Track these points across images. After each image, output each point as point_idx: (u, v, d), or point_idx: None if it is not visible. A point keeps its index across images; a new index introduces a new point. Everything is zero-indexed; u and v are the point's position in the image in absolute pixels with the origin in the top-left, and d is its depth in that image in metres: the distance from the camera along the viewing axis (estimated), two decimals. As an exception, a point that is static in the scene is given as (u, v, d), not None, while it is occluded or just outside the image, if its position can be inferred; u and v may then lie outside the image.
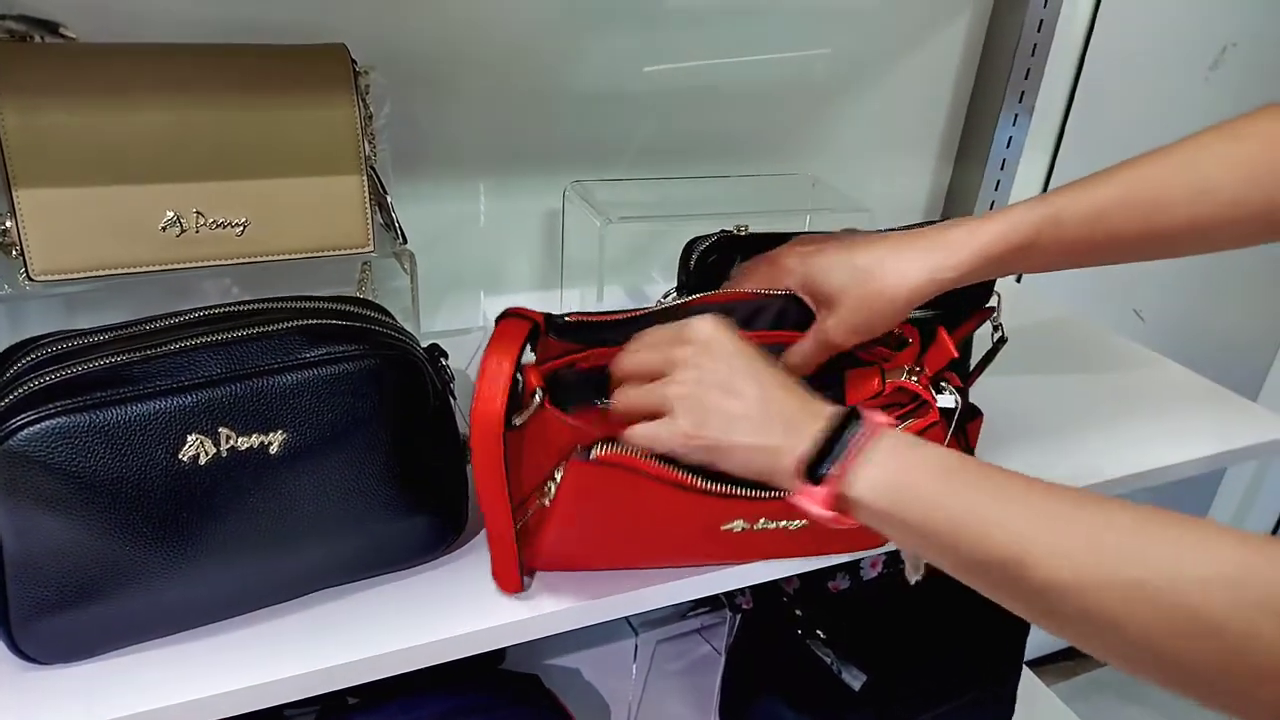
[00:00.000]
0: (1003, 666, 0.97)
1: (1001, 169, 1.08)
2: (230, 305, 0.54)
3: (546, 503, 0.52)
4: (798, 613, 0.91)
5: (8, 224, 0.59)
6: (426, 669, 0.55)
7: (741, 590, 0.94)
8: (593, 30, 0.86)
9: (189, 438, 0.48)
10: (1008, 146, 1.07)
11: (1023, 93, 1.04)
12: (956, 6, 1.03)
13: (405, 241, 0.72)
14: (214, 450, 0.48)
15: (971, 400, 0.76)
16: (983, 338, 0.75)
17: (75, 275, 0.61)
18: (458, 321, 0.94)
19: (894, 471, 0.46)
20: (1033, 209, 0.58)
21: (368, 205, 0.68)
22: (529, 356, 0.56)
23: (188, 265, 0.63)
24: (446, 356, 0.59)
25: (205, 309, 0.53)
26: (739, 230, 0.73)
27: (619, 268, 0.97)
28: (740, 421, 0.50)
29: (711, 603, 0.97)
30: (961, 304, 0.72)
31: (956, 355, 0.58)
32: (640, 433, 0.51)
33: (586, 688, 0.99)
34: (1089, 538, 0.41)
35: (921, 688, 0.91)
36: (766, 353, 0.53)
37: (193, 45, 0.63)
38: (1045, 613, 0.42)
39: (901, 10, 1.00)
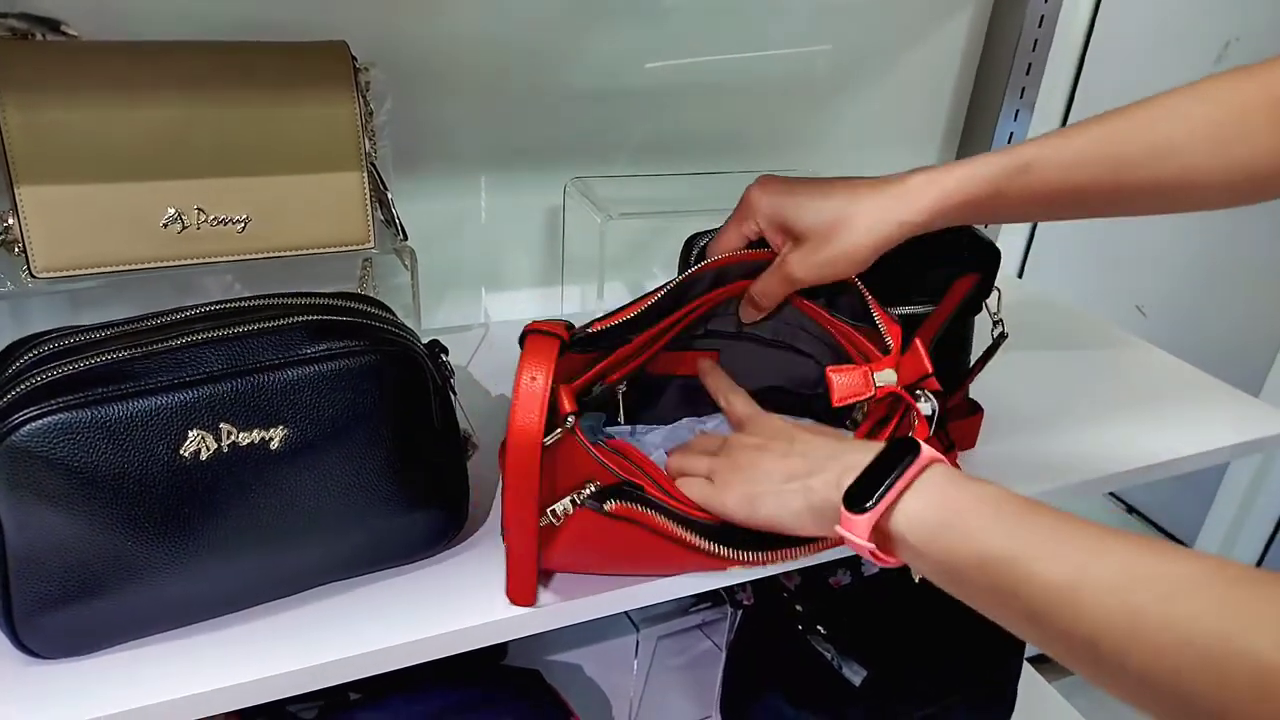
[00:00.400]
0: (1003, 662, 0.98)
1: (1002, 165, 1.08)
2: (232, 301, 0.54)
3: (555, 523, 0.52)
4: (799, 608, 0.91)
5: (10, 221, 0.59)
6: (428, 664, 0.56)
7: (742, 586, 0.95)
8: (593, 27, 0.86)
9: (191, 433, 0.48)
10: (1009, 141, 1.07)
11: (1024, 88, 1.04)
12: (958, 2, 1.03)
13: (406, 238, 0.72)
14: (215, 446, 0.49)
15: (972, 396, 0.76)
16: (982, 333, 0.75)
17: (77, 272, 0.61)
18: (459, 318, 0.94)
19: (938, 507, 0.46)
20: (999, 158, 0.58)
21: (368, 202, 0.68)
22: None
23: (189, 262, 0.64)
24: (447, 352, 0.59)
25: (207, 305, 0.53)
26: (739, 226, 0.73)
27: (619, 264, 0.97)
28: (778, 495, 0.52)
29: (713, 598, 0.98)
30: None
31: (930, 370, 0.58)
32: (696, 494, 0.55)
33: (588, 683, 0.99)
34: (1137, 595, 0.39)
35: (922, 683, 0.91)
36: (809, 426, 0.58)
37: (194, 42, 0.63)
38: (1089, 661, 0.42)
39: (902, 6, 1.00)
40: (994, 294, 0.75)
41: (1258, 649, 0.35)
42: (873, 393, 0.59)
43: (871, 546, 0.48)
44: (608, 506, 0.51)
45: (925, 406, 0.57)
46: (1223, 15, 1.24)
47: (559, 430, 0.51)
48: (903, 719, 0.90)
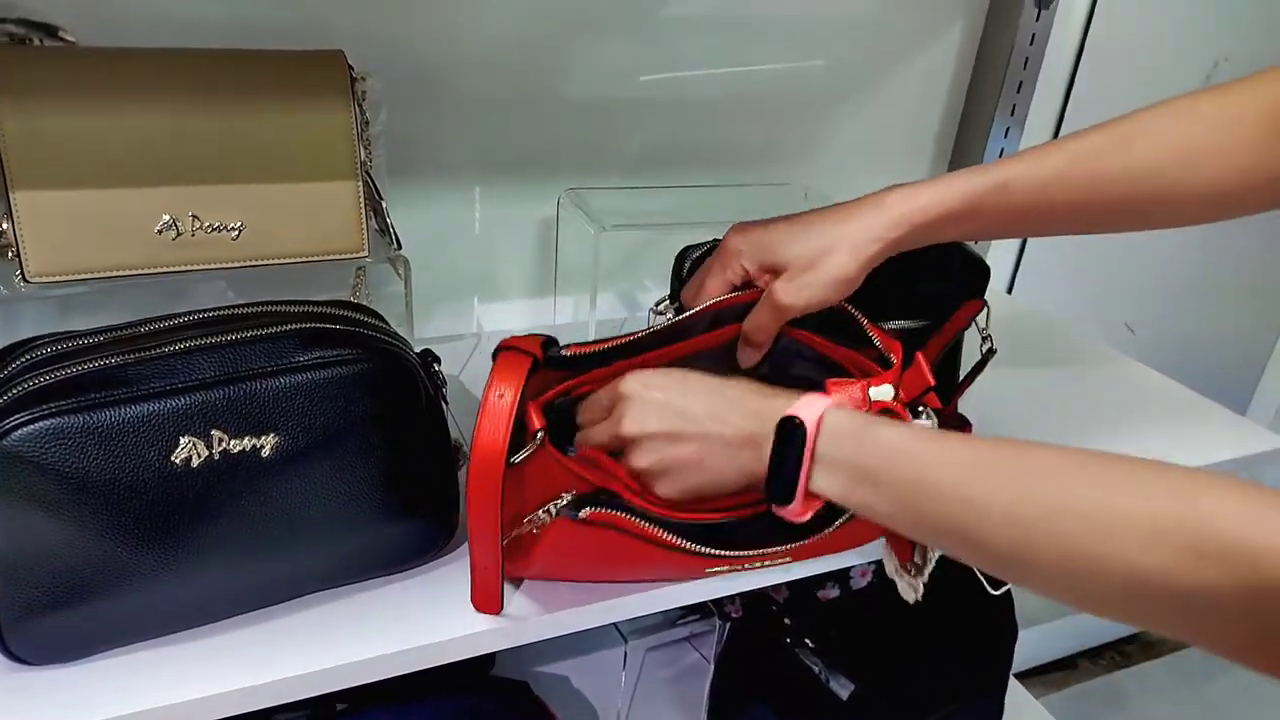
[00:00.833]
0: (990, 677, 0.98)
1: (993, 181, 1.09)
2: (224, 309, 0.54)
3: (535, 531, 0.52)
4: (786, 621, 0.91)
5: (4, 226, 0.59)
6: (416, 674, 0.55)
7: (731, 598, 0.95)
8: (589, 39, 0.87)
9: (182, 440, 0.48)
10: (999, 158, 1.08)
11: (1014, 105, 1.05)
12: (949, 19, 1.04)
13: (400, 247, 0.72)
14: (206, 452, 0.49)
15: (961, 411, 0.76)
16: (971, 349, 0.76)
17: (71, 277, 0.61)
18: (452, 327, 0.94)
19: (845, 467, 0.49)
20: (975, 175, 0.58)
21: (363, 211, 0.68)
22: None
23: (183, 268, 0.64)
24: (439, 362, 0.59)
25: (200, 312, 0.53)
26: (731, 239, 0.74)
27: (612, 275, 0.97)
28: (697, 467, 0.53)
29: (701, 611, 0.98)
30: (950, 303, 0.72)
31: (933, 383, 0.58)
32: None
33: (575, 695, 0.99)
34: (1027, 495, 0.44)
35: (909, 697, 0.91)
36: (695, 372, 0.55)
37: (191, 50, 0.63)
38: (1008, 575, 0.46)
39: (894, 22, 1.01)
40: (983, 310, 0.75)
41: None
42: (867, 408, 0.59)
43: (806, 517, 0.51)
44: (583, 514, 0.51)
45: (925, 422, 0.58)
46: (1212, 35, 1.25)
47: (530, 447, 0.51)
48: (890, 733, 0.91)
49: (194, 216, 0.63)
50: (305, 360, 0.51)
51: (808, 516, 0.51)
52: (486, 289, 0.94)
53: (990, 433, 0.78)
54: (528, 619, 0.57)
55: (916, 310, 0.71)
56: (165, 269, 0.63)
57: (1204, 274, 1.51)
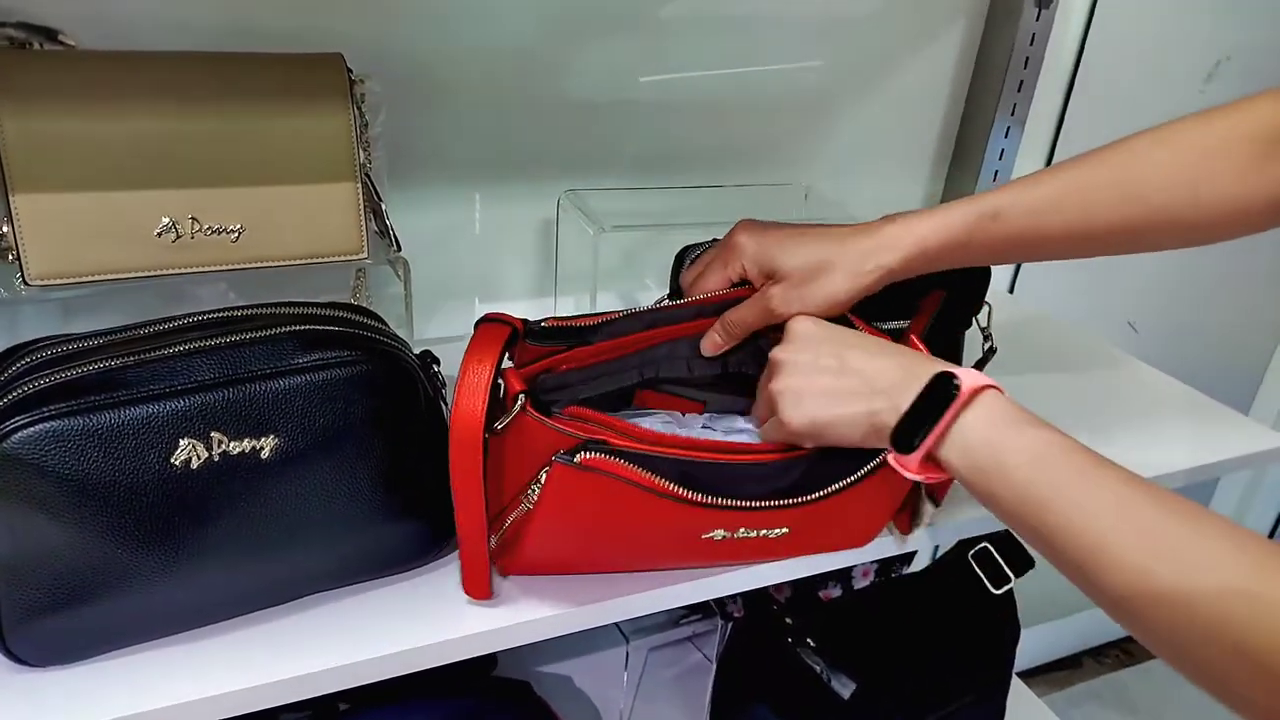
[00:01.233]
0: (992, 676, 0.98)
1: (994, 180, 1.09)
2: (224, 311, 0.54)
3: (529, 506, 0.52)
4: (788, 621, 0.91)
5: (4, 229, 0.60)
6: (417, 675, 0.56)
7: (733, 598, 0.95)
8: (588, 40, 0.87)
9: (181, 442, 0.48)
10: (1000, 158, 1.08)
11: (1015, 104, 1.05)
12: (949, 19, 1.04)
13: (399, 249, 0.72)
14: (206, 454, 0.49)
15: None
16: (973, 347, 0.76)
17: (71, 280, 0.61)
18: (452, 328, 0.94)
19: (983, 446, 0.49)
20: (970, 205, 0.60)
21: (362, 213, 0.68)
22: (507, 363, 0.57)
23: (183, 271, 0.64)
24: (439, 363, 0.59)
25: (199, 314, 0.54)
26: (731, 240, 0.74)
27: (612, 276, 0.97)
28: (834, 398, 0.54)
29: (703, 610, 0.98)
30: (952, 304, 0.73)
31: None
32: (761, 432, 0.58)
33: (578, 695, 0.99)
34: (1163, 555, 0.42)
35: (911, 697, 0.91)
36: (864, 333, 0.58)
37: (190, 53, 0.64)
38: (1115, 612, 0.45)
39: (895, 22, 1.00)
40: (985, 309, 0.75)
41: (1258, 644, 0.38)
42: None
43: (921, 479, 0.52)
44: (579, 458, 0.50)
45: None
46: (1214, 34, 1.25)
47: (512, 412, 0.52)
48: (892, 732, 0.90)
49: (193, 219, 0.63)
50: (304, 362, 0.51)
51: (919, 478, 0.52)
52: (487, 290, 0.94)
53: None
54: (528, 619, 0.57)
55: (910, 312, 0.71)
56: (165, 271, 0.63)
57: (1207, 272, 1.51)
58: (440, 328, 0.93)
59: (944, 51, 1.05)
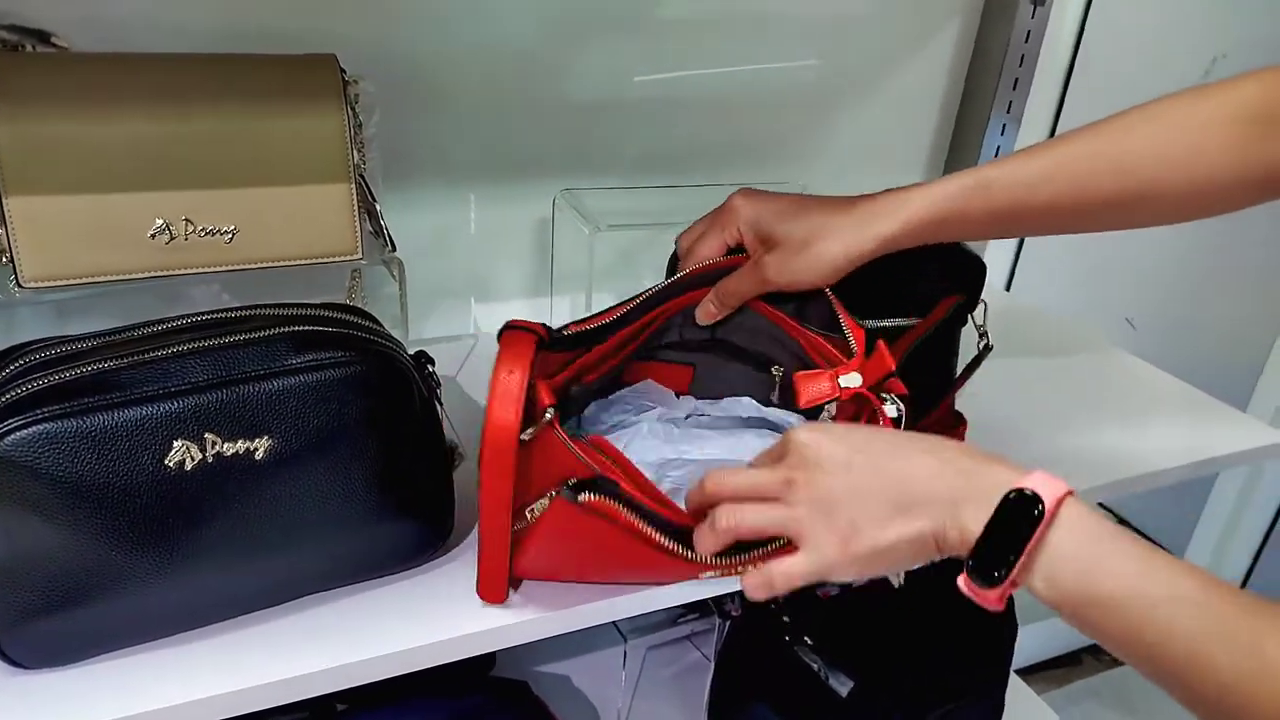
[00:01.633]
0: (991, 674, 0.98)
1: (990, 178, 1.09)
2: (218, 312, 0.54)
3: (530, 519, 0.53)
4: (786, 619, 0.91)
5: (-2, 231, 0.60)
6: (415, 675, 0.55)
7: (730, 596, 0.95)
8: (584, 39, 0.87)
9: (175, 443, 0.48)
10: (996, 155, 1.08)
11: (1011, 102, 1.05)
12: (944, 17, 1.04)
13: (394, 249, 0.72)
14: (200, 456, 0.49)
15: (959, 409, 0.76)
16: (968, 344, 0.76)
17: (65, 282, 0.61)
18: (448, 328, 0.94)
19: (1073, 575, 0.44)
20: (966, 176, 0.60)
21: (356, 213, 0.68)
22: None
23: (177, 272, 0.64)
24: (433, 363, 0.59)
25: (193, 316, 0.53)
26: (726, 238, 0.74)
27: (609, 275, 0.97)
28: (888, 521, 0.47)
29: (701, 609, 0.98)
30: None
31: (893, 368, 0.58)
32: (785, 569, 0.49)
33: (576, 694, 0.99)
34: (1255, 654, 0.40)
35: (909, 695, 0.91)
36: (883, 430, 0.53)
37: (183, 55, 0.64)
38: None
39: (890, 21, 1.00)
40: (980, 306, 0.75)
41: None
42: (838, 394, 0.59)
43: (1000, 608, 0.46)
44: (582, 498, 0.50)
45: (890, 409, 0.58)
46: (1209, 31, 1.25)
47: (539, 424, 0.52)
48: (890, 730, 0.90)
49: (187, 220, 0.63)
50: (298, 363, 0.51)
51: (1001, 606, 0.46)
52: (483, 290, 0.94)
53: (988, 428, 0.79)
54: (526, 618, 0.57)
55: (911, 308, 0.71)
56: (159, 273, 0.63)
57: (1205, 268, 1.51)
58: (436, 328, 0.93)
59: (940, 49, 1.05)
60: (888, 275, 0.72)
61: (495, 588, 0.56)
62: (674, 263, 0.73)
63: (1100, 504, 1.82)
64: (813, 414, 0.64)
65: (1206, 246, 1.47)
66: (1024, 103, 1.06)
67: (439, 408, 0.59)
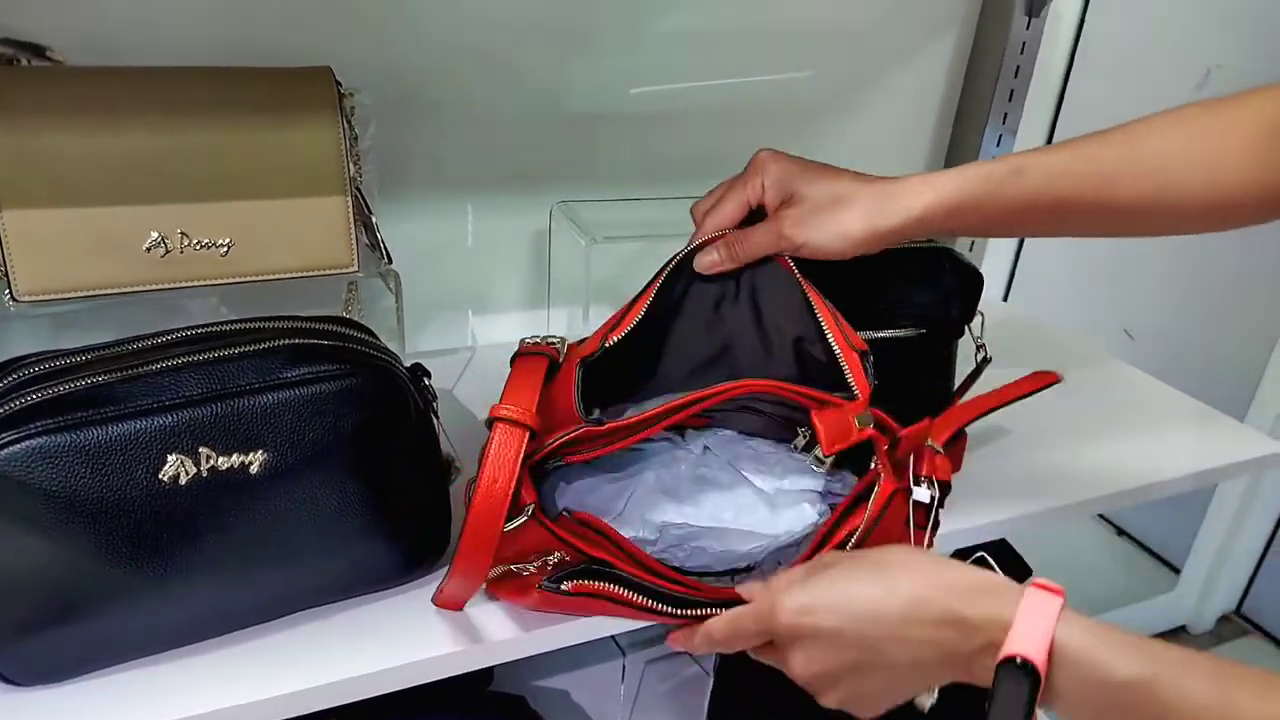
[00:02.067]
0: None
1: (987, 189, 1.09)
2: (213, 325, 0.54)
3: (519, 572, 0.54)
4: (785, 632, 0.90)
5: (-8, 245, 0.59)
6: (413, 689, 0.55)
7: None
8: (580, 52, 0.87)
9: (169, 457, 0.48)
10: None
11: (1006, 113, 1.05)
12: (940, 29, 1.04)
13: (390, 261, 0.72)
14: (194, 470, 0.48)
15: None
16: (966, 357, 0.76)
17: (59, 296, 0.61)
18: (445, 341, 0.94)
19: (1080, 689, 0.43)
20: (991, 163, 0.59)
21: (352, 226, 0.68)
22: None
23: (172, 285, 0.64)
24: (429, 376, 0.59)
25: (188, 329, 0.53)
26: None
27: (605, 287, 0.97)
28: (898, 687, 0.50)
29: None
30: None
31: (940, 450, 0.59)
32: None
33: (574, 709, 0.98)
34: None
35: (907, 708, 0.90)
36: (844, 563, 0.51)
37: (179, 68, 0.64)
38: None
39: (886, 33, 1.01)
40: (977, 318, 0.75)
41: None
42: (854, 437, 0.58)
43: None
44: (566, 586, 0.52)
45: (922, 494, 0.59)
46: (1204, 43, 1.26)
47: (519, 519, 0.51)
48: (890, 744, 0.90)
49: (182, 233, 0.63)
50: (293, 376, 0.51)
51: None
52: (480, 302, 0.94)
53: (988, 440, 0.79)
54: (523, 633, 0.56)
55: (908, 320, 0.71)
56: (154, 286, 0.63)
57: (1203, 279, 1.51)
58: (433, 340, 0.93)
59: (935, 61, 1.06)
60: (884, 285, 0.72)
61: (455, 604, 0.56)
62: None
63: (1100, 514, 1.82)
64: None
65: (1205, 257, 1.47)
66: (1019, 114, 1.06)
67: (435, 420, 0.58)
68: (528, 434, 0.51)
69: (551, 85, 0.87)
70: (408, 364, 0.58)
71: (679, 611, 0.54)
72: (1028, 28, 1.01)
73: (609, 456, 0.59)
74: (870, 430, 0.57)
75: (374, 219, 0.71)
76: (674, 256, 0.64)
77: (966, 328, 0.75)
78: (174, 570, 0.50)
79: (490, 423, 0.52)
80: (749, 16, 0.92)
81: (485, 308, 0.95)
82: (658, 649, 0.96)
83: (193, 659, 0.53)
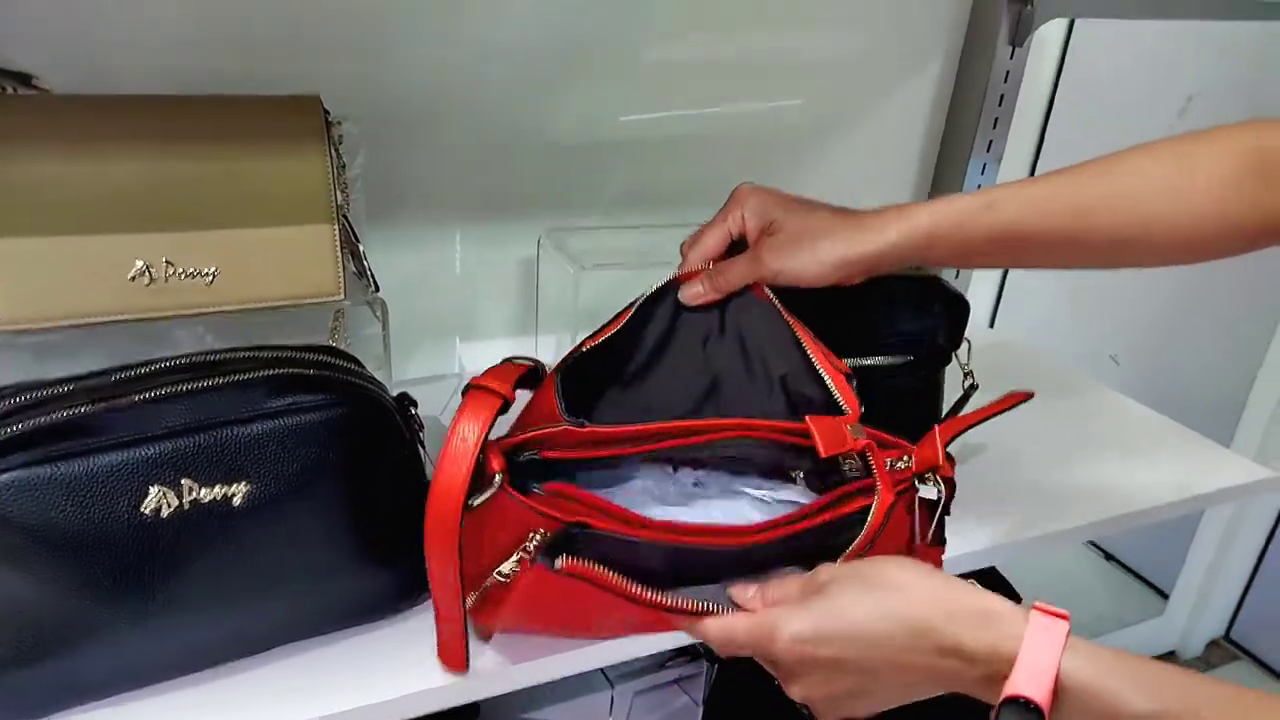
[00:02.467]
0: (986, 713, 0.96)
1: (972, 216, 1.10)
2: (197, 355, 0.53)
3: (504, 580, 0.52)
4: (775, 662, 0.89)
5: (-25, 273, 0.59)
6: (397, 723, 0.54)
7: (719, 639, 0.93)
8: (570, 80, 0.87)
9: (151, 489, 0.47)
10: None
11: (991, 141, 1.06)
12: (924, 58, 1.05)
13: (377, 289, 0.72)
14: (176, 502, 0.48)
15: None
16: (954, 383, 0.76)
17: (42, 325, 0.60)
18: (433, 368, 0.93)
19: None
20: (966, 197, 0.60)
21: (339, 254, 0.68)
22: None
23: (157, 315, 0.63)
24: (416, 405, 0.58)
25: (172, 359, 0.53)
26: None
27: (593, 314, 0.96)
28: (891, 704, 0.50)
29: (689, 652, 0.96)
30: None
31: (938, 460, 0.59)
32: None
33: (562, 741, 0.97)
34: None
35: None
36: (848, 593, 0.50)
37: (166, 96, 0.63)
38: None
39: (872, 62, 1.02)
40: (964, 345, 0.75)
41: None
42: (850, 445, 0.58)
43: None
44: (559, 564, 0.50)
45: (930, 491, 0.58)
46: (1184, 72, 1.27)
47: (488, 490, 0.50)
48: (882, 775, 0.89)
49: (168, 262, 0.62)
50: (277, 406, 0.50)
51: None
52: (468, 329, 0.94)
53: (976, 467, 0.78)
54: (510, 667, 0.56)
55: (896, 347, 0.71)
56: (139, 315, 0.62)
57: (1188, 304, 1.53)
58: (421, 368, 0.92)
59: (920, 90, 1.06)
60: (871, 313, 0.72)
61: (456, 657, 0.54)
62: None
63: (1089, 540, 1.81)
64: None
65: (1189, 283, 1.48)
66: (1004, 142, 1.07)
67: (422, 450, 0.58)
68: (501, 403, 0.51)
69: (540, 114, 0.88)
70: (395, 393, 0.58)
71: (669, 601, 0.53)
72: (1011, 57, 1.02)
73: (594, 476, 0.59)
74: (864, 440, 0.57)
75: (361, 247, 0.71)
76: (654, 286, 0.64)
77: (954, 355, 0.75)
78: (156, 604, 0.49)
79: (466, 390, 0.52)
80: (737, 46, 0.93)
81: (473, 335, 0.94)
82: (646, 680, 0.95)
83: (175, 694, 0.52)
